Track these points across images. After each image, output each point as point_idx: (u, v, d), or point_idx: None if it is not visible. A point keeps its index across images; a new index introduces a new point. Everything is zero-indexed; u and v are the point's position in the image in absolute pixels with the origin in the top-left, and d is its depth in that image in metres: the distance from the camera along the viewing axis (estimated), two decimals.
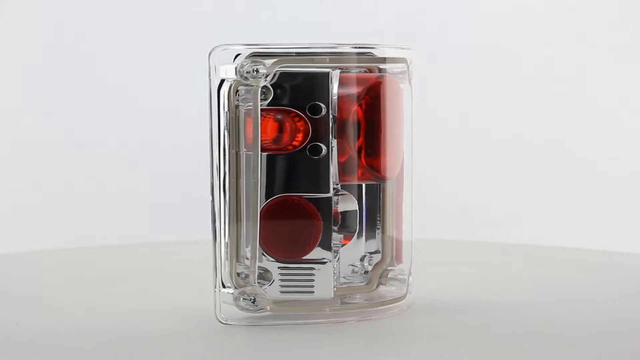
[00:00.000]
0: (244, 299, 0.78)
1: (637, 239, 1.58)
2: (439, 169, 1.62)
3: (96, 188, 1.63)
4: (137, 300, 0.89)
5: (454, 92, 1.64)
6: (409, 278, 0.82)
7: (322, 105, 0.78)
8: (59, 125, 1.63)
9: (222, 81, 0.78)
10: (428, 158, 1.60)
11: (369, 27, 1.64)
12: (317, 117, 0.78)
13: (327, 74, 0.78)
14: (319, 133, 0.78)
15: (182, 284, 0.97)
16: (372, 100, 0.80)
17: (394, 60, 0.81)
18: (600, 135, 1.63)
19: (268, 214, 0.77)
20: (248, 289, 0.78)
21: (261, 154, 0.77)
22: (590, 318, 0.81)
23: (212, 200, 0.78)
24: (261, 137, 0.77)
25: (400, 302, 0.82)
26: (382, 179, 0.81)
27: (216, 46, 0.78)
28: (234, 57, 0.78)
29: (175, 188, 1.63)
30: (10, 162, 1.63)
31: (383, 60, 0.80)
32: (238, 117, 0.78)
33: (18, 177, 1.63)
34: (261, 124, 0.77)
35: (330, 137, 0.78)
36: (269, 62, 0.77)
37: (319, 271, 0.78)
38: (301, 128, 0.78)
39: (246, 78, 0.77)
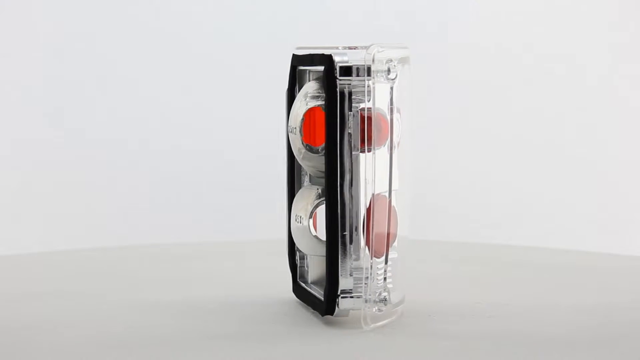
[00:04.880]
0: (385, 302, 0.77)
1: (638, 240, 1.58)
2: (438, 169, 1.62)
3: (96, 188, 1.63)
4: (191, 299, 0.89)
5: (454, 92, 1.64)
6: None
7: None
8: (59, 125, 1.63)
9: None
10: (427, 158, 1.60)
11: (369, 27, 1.64)
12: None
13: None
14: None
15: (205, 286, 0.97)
16: None
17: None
18: (601, 136, 1.63)
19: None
20: (384, 292, 0.77)
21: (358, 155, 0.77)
22: (590, 320, 0.81)
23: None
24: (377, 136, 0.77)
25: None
26: None
27: (372, 44, 0.76)
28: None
29: (175, 188, 1.63)
30: (11, 162, 1.63)
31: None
32: (356, 118, 0.77)
33: (18, 177, 1.63)
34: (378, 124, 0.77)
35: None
36: (396, 61, 0.77)
37: (394, 266, 0.78)
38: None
39: (390, 77, 0.76)
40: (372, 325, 0.77)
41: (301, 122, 0.81)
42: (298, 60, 0.84)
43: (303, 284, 0.86)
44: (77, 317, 0.84)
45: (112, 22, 1.64)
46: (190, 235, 1.59)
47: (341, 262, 0.77)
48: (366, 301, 0.77)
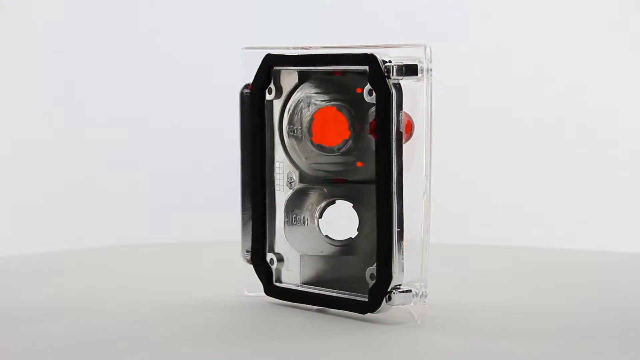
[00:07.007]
0: (426, 296, 0.78)
1: (637, 239, 1.58)
2: (438, 169, 1.62)
3: (96, 188, 1.63)
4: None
5: (454, 92, 1.64)
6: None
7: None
8: (59, 125, 1.63)
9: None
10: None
11: (369, 27, 1.64)
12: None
13: None
14: None
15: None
16: None
17: None
18: (600, 136, 1.63)
19: None
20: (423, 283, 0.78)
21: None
22: (591, 321, 0.81)
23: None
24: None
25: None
26: None
27: (424, 44, 0.77)
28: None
29: (175, 188, 1.63)
30: (10, 162, 1.63)
31: None
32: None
33: (18, 177, 1.63)
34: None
35: None
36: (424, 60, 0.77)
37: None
38: None
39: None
40: (421, 320, 0.78)
41: (309, 123, 0.81)
42: (275, 60, 0.83)
43: (301, 285, 0.85)
44: (76, 318, 0.84)
45: (112, 23, 1.64)
46: (190, 235, 1.59)
47: (395, 258, 0.77)
48: (414, 296, 0.77)
